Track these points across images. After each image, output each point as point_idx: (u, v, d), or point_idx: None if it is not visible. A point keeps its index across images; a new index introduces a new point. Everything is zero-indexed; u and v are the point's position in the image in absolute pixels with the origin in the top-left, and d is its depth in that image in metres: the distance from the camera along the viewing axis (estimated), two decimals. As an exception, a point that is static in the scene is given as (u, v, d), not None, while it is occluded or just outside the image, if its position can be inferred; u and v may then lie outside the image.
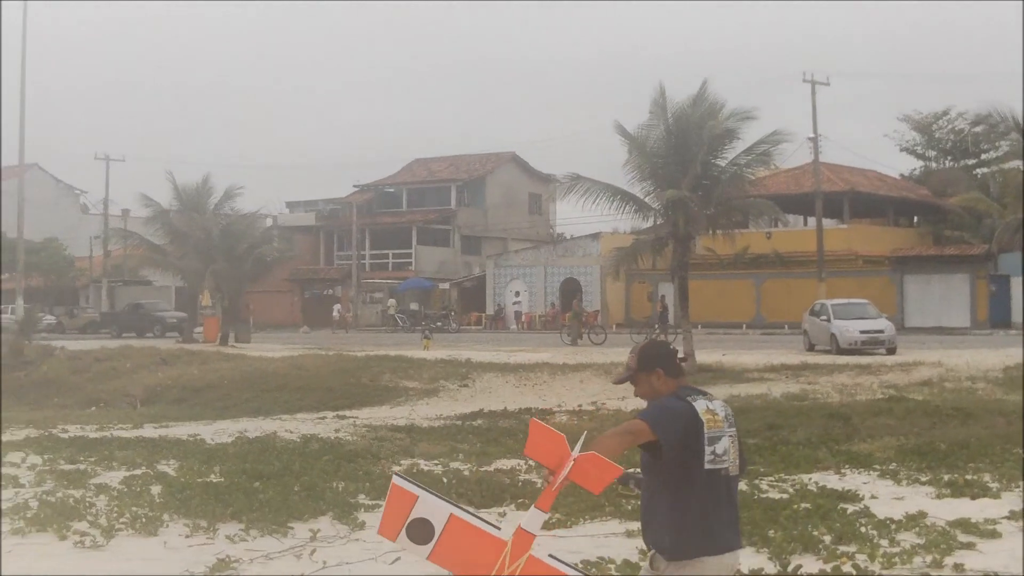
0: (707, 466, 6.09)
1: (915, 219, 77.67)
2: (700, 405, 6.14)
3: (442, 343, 49.87)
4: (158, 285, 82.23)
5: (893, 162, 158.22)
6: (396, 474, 5.76)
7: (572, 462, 5.50)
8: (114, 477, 16.43)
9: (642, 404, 6.24)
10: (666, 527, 6.10)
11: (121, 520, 13.00)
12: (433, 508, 5.58)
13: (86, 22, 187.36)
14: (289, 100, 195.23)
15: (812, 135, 61.59)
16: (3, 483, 16.00)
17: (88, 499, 14.44)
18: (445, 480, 15.86)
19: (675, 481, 6.09)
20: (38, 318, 58.16)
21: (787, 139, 35.02)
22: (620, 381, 6.52)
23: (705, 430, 6.07)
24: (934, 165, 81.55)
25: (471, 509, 5.77)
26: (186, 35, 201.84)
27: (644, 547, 6.36)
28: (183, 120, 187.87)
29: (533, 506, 5.55)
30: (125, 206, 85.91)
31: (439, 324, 69.03)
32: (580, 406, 27.22)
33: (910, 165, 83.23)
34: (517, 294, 76.08)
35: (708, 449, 6.07)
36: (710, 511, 6.19)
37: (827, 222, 63.84)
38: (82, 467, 17.52)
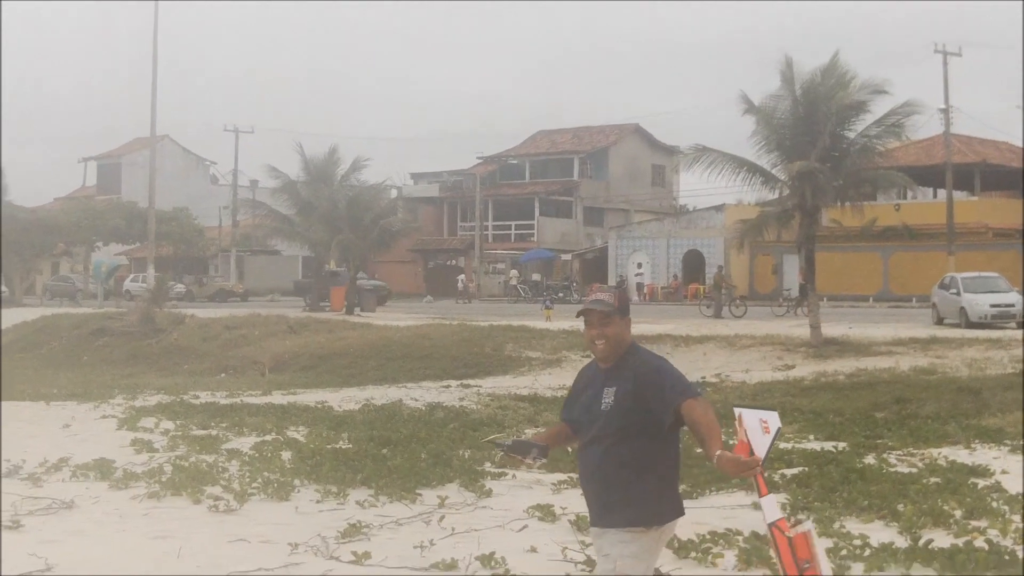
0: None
1: (1048, 191, 75.88)
2: None
3: (563, 314, 49.68)
4: (286, 255, 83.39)
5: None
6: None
7: (771, 434, 5.50)
8: (245, 443, 16.78)
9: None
10: (651, 495, 5.94)
11: (253, 485, 13.28)
12: None
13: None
14: (414, 72, 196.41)
15: (943, 106, 60.39)
16: (137, 447, 16.41)
17: (220, 464, 14.77)
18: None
19: (667, 446, 6.01)
20: (169, 286, 59.31)
21: (918, 111, 34.22)
22: (594, 311, 6.15)
23: None
24: (1068, 136, 79.55)
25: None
26: (314, 10, 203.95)
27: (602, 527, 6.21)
28: (311, 93, 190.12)
29: (763, 498, 5.74)
30: (253, 177, 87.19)
31: (561, 295, 68.96)
32: (703, 378, 26.98)
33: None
34: (639, 266, 75.73)
35: None
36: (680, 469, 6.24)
37: (957, 194, 62.55)
38: (214, 433, 17.93)
